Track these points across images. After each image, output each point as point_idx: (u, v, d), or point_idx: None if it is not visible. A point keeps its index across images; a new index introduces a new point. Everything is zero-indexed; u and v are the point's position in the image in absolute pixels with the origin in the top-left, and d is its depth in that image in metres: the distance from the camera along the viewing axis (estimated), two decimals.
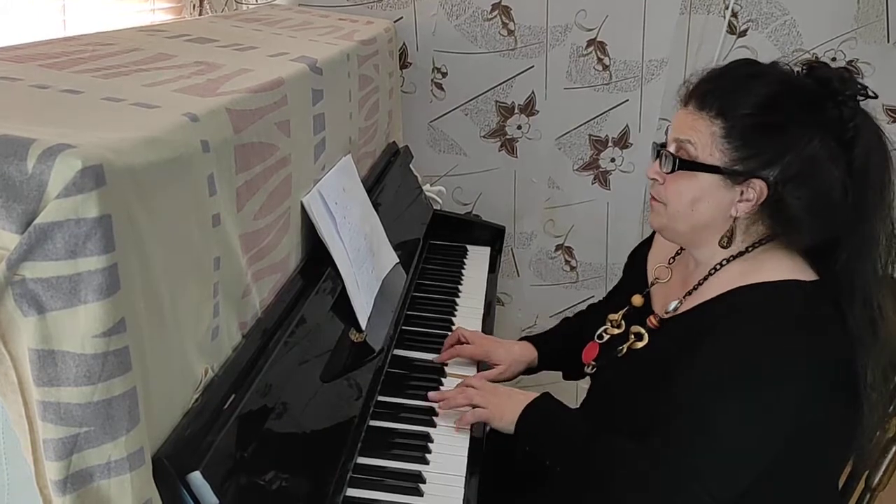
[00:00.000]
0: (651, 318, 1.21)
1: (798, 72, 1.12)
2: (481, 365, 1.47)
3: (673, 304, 1.18)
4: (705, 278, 1.15)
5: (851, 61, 2.10)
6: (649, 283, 1.29)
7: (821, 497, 1.15)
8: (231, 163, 0.87)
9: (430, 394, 1.31)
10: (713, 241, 1.13)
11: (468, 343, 1.48)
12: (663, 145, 1.15)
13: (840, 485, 1.26)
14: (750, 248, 1.12)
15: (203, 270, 0.82)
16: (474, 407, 1.24)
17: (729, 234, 1.11)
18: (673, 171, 1.10)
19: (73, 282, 0.60)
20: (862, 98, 1.09)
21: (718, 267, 1.14)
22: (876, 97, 1.10)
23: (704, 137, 1.08)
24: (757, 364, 1.02)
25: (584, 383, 1.58)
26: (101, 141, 0.63)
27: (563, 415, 1.20)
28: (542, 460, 1.18)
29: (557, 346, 1.51)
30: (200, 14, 2.13)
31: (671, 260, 1.27)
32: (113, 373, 0.63)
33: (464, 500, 1.12)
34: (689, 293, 1.17)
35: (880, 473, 1.22)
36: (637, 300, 1.27)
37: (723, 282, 1.12)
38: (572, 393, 2.27)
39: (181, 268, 0.76)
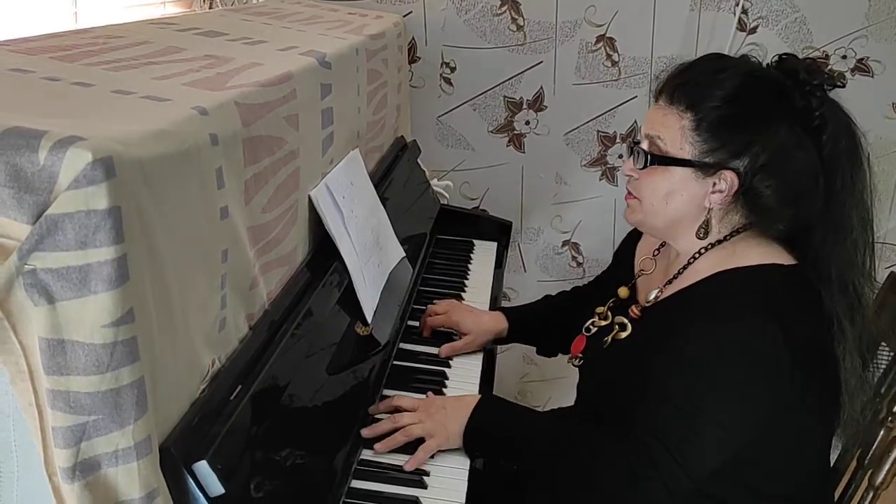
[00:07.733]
0: (633, 307, 1.22)
1: (768, 64, 1.14)
2: (485, 356, 1.48)
3: (653, 294, 1.20)
4: (684, 267, 1.17)
5: (862, 59, 2.09)
6: (636, 274, 1.30)
7: (809, 474, 1.15)
8: (240, 156, 0.88)
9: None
10: (690, 232, 1.14)
11: (440, 314, 1.49)
12: (636, 142, 1.17)
13: (842, 484, 1.27)
14: (727, 237, 1.14)
15: (211, 262, 0.82)
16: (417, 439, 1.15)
17: (705, 225, 1.13)
18: (645, 166, 1.12)
19: (83, 272, 0.61)
20: (830, 87, 1.10)
21: (697, 256, 1.16)
22: (844, 86, 1.11)
23: (674, 132, 1.10)
24: (731, 345, 1.03)
25: None
26: (111, 133, 0.64)
27: (509, 413, 1.19)
28: (497, 462, 1.15)
29: (530, 320, 1.53)
30: (210, 7, 2.14)
31: (656, 252, 1.29)
32: (121, 362, 0.63)
33: (468, 493, 1.12)
34: (669, 282, 1.19)
35: (883, 472, 1.22)
36: (623, 292, 1.28)
37: (701, 269, 1.14)
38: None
39: (189, 259, 0.77)
